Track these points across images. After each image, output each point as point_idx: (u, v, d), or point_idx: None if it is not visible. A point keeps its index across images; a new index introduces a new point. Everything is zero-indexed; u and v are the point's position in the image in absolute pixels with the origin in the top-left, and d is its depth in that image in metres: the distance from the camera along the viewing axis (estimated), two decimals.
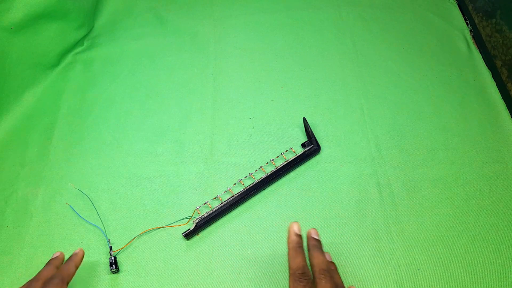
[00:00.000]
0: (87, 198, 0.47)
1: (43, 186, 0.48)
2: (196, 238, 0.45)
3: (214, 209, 0.45)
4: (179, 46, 0.61)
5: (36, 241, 0.45)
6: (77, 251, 0.40)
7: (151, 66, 0.59)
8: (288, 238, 0.36)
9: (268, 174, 0.47)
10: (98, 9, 0.64)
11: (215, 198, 0.46)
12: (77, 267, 0.39)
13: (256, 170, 0.48)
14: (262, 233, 0.45)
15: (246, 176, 0.48)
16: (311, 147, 0.49)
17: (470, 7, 0.64)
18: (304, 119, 0.50)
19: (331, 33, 0.61)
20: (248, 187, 0.46)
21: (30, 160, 0.51)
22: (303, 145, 0.50)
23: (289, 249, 0.35)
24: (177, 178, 0.49)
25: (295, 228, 0.37)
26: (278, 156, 0.49)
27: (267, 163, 0.49)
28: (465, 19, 0.62)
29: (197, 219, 0.44)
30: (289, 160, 0.48)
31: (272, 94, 0.55)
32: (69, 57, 0.60)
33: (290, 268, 0.34)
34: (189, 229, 0.44)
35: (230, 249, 0.44)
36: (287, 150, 0.50)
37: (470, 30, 0.61)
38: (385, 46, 0.60)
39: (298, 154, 0.49)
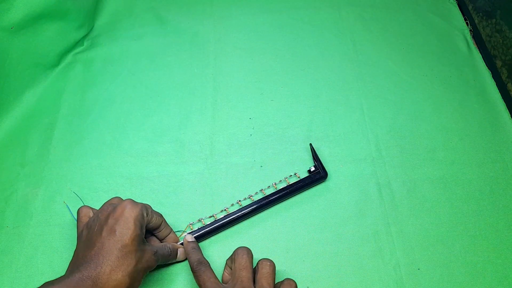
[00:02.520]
0: (88, 198, 0.47)
1: (43, 186, 0.48)
2: None
3: (207, 226, 0.44)
4: (179, 46, 0.61)
5: (36, 241, 0.45)
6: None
7: (151, 66, 0.59)
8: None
9: (268, 195, 0.46)
10: (98, 9, 0.64)
11: (211, 216, 0.45)
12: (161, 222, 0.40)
13: (257, 193, 0.47)
14: (261, 233, 0.45)
15: (245, 198, 0.47)
16: (316, 173, 0.47)
17: (470, 7, 0.64)
18: (311, 145, 0.49)
19: (331, 33, 0.61)
20: (245, 208, 0.45)
21: (30, 160, 0.51)
22: (309, 171, 0.48)
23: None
24: (177, 178, 0.49)
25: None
26: (281, 181, 0.48)
27: (269, 186, 0.47)
28: (465, 19, 0.63)
29: (188, 233, 0.44)
30: (291, 183, 0.46)
31: (272, 94, 0.55)
32: (69, 57, 0.60)
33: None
34: (181, 242, 0.43)
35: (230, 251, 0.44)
36: (291, 175, 0.48)
37: (470, 30, 0.61)
38: (385, 46, 0.60)
39: (301, 178, 0.47)
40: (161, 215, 0.41)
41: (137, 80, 0.57)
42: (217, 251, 0.44)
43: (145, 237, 0.41)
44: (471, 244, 0.44)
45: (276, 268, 0.43)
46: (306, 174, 0.48)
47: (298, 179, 0.47)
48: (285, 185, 0.46)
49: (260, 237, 0.45)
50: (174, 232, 0.43)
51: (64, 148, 0.51)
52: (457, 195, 0.47)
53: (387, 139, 0.51)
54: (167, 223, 0.42)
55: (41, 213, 0.47)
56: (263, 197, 0.46)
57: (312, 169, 0.47)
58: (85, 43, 0.61)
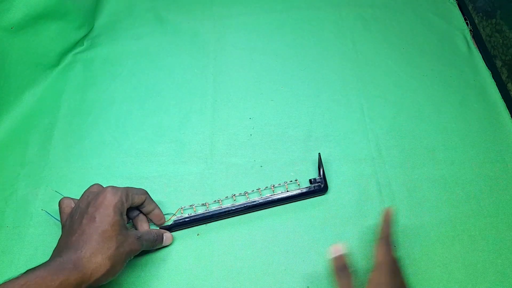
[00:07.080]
0: None
1: (43, 186, 0.48)
2: (195, 238, 0.45)
3: (196, 214, 0.45)
4: (179, 46, 0.61)
5: (36, 241, 0.45)
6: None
7: (151, 66, 0.59)
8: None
9: (263, 197, 0.46)
10: (98, 9, 0.64)
11: (203, 204, 0.46)
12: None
13: (253, 191, 0.47)
14: (260, 234, 0.45)
15: (241, 194, 0.47)
16: (317, 186, 0.46)
17: (470, 7, 0.64)
18: (319, 155, 0.47)
19: (331, 33, 0.61)
20: (238, 205, 0.45)
21: (30, 160, 0.50)
22: (311, 181, 0.47)
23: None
24: (177, 178, 0.49)
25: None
26: (280, 184, 0.47)
27: (266, 187, 0.47)
28: (465, 19, 0.63)
29: (177, 217, 0.45)
30: (289, 191, 0.46)
31: (272, 94, 0.55)
32: (69, 57, 0.60)
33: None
34: (167, 224, 0.45)
35: (229, 249, 0.44)
36: (291, 181, 0.48)
37: (470, 30, 0.61)
38: (385, 46, 0.60)
39: (302, 188, 0.46)
40: (144, 192, 0.42)
41: (137, 80, 0.57)
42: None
43: (134, 215, 0.43)
44: (471, 244, 0.44)
45: (276, 268, 0.43)
46: (306, 177, 0.48)
47: (298, 186, 0.47)
48: (284, 190, 0.46)
49: (259, 237, 0.45)
50: (165, 214, 0.45)
51: (64, 148, 0.51)
52: (457, 195, 0.47)
53: (387, 139, 0.51)
54: (152, 199, 0.43)
55: (41, 213, 0.47)
56: (257, 199, 0.46)
57: (313, 179, 0.47)
58: (85, 43, 0.61)
